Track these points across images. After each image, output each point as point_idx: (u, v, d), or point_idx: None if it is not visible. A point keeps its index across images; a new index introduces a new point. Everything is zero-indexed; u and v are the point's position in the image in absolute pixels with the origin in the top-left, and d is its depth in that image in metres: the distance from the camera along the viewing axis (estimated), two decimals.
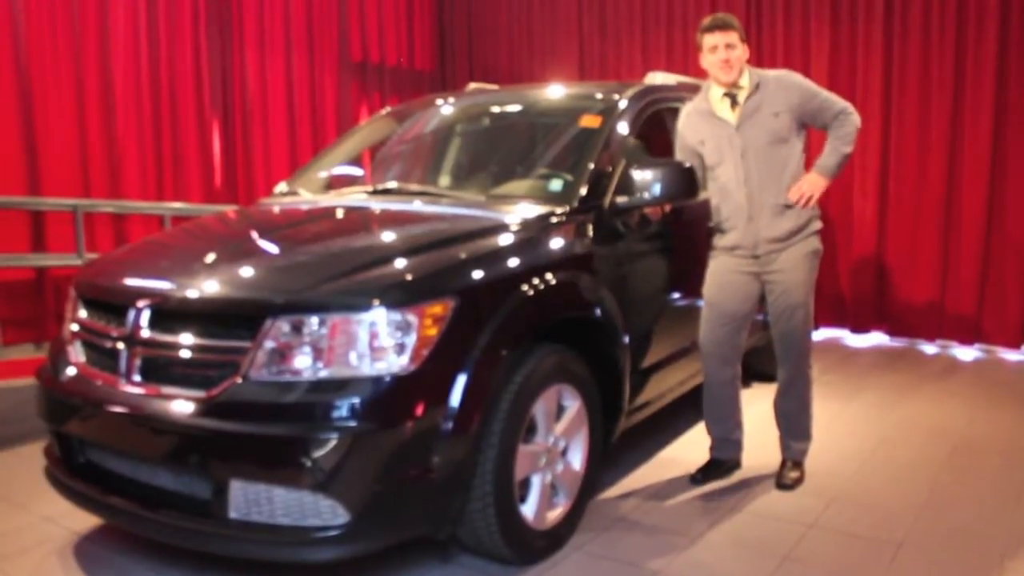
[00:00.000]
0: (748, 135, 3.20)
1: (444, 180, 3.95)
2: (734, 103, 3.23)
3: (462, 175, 3.95)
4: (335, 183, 3.84)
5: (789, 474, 3.38)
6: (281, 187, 3.84)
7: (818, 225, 3.30)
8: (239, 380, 2.30)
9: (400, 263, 2.52)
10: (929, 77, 5.90)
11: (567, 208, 3.04)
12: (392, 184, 3.50)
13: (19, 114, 5.41)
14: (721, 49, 3.17)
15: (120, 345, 2.52)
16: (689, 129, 3.36)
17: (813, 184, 3.21)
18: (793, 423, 3.44)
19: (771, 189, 3.20)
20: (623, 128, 3.40)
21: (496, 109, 4.16)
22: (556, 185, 3.29)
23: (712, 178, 3.32)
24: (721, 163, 3.26)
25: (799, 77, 3.29)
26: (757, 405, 4.26)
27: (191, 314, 2.46)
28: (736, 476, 3.47)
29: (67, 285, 3.04)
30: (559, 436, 2.80)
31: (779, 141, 3.19)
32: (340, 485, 2.20)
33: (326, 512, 2.24)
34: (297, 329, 2.30)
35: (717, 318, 3.34)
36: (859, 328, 6.34)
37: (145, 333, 2.47)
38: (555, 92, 3.98)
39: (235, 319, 2.39)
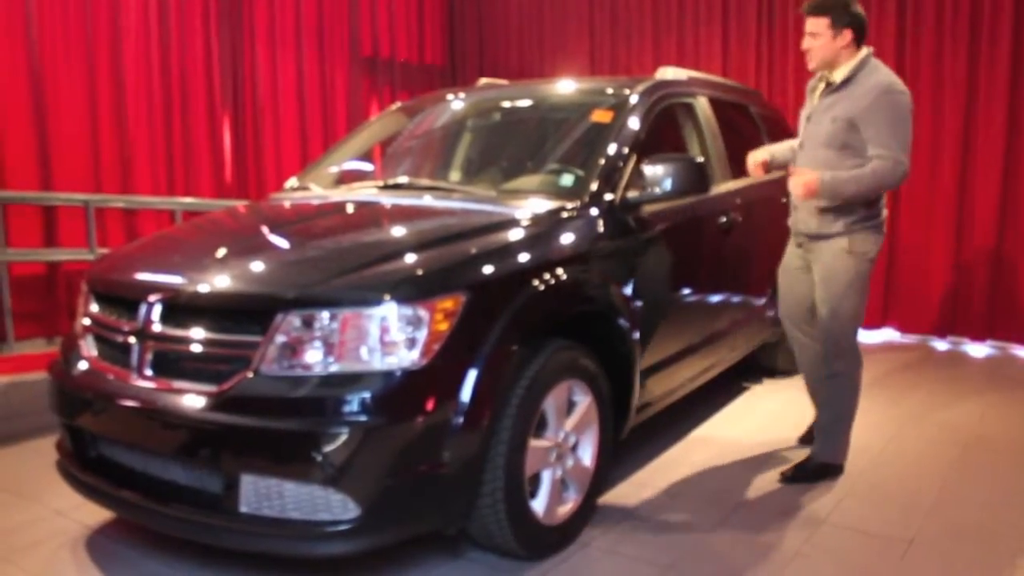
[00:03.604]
0: (811, 129, 3.20)
1: (455, 175, 3.95)
2: (826, 90, 3.18)
3: (473, 170, 3.94)
4: (346, 178, 3.85)
5: (804, 470, 3.36)
6: (292, 182, 3.85)
7: (860, 219, 3.13)
8: (250, 374, 2.30)
9: (411, 258, 2.52)
10: (942, 74, 5.86)
11: (578, 203, 3.02)
12: (403, 179, 3.50)
13: (31, 110, 5.43)
14: (806, 37, 3.14)
15: (132, 339, 2.53)
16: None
17: (810, 181, 3.01)
18: (824, 431, 3.39)
19: None
20: (634, 123, 3.39)
21: (507, 104, 4.15)
22: (567, 180, 3.28)
23: None
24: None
25: (895, 101, 3.00)
26: (770, 400, 4.25)
27: (202, 308, 2.46)
28: (746, 472, 3.46)
29: (79, 280, 3.05)
30: (569, 431, 2.79)
31: (830, 147, 3.10)
32: (351, 479, 2.20)
33: (337, 506, 2.24)
34: (308, 323, 2.30)
35: (782, 298, 3.48)
36: (870, 324, 6.30)
37: (157, 327, 2.48)
38: (566, 87, 3.97)
39: (246, 314, 2.39)
